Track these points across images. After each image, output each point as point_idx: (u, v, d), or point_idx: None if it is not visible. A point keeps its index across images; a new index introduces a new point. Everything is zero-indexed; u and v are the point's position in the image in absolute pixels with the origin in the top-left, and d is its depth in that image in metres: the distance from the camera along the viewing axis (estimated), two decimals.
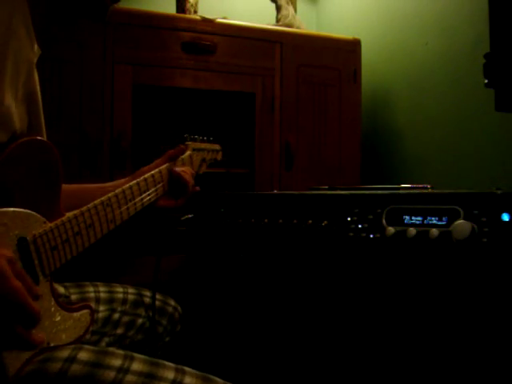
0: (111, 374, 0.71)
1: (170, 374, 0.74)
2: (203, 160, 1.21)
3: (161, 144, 1.80)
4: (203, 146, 1.21)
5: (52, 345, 0.76)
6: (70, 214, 0.81)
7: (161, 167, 1.04)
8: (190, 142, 1.18)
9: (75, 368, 0.71)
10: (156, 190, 1.01)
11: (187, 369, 0.77)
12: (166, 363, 0.77)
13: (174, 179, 1.06)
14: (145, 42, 1.67)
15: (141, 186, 0.96)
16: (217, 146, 1.28)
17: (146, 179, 0.98)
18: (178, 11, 1.88)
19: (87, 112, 1.59)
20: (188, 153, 1.15)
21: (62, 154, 0.80)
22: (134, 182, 0.95)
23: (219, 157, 1.29)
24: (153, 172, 1.01)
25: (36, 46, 0.85)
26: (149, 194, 0.99)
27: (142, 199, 0.96)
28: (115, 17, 1.64)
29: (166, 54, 1.70)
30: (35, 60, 0.85)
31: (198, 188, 1.12)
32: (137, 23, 1.66)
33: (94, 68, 1.60)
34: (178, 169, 1.07)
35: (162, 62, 1.70)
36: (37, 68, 0.85)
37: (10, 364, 0.68)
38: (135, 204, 0.95)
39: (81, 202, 0.85)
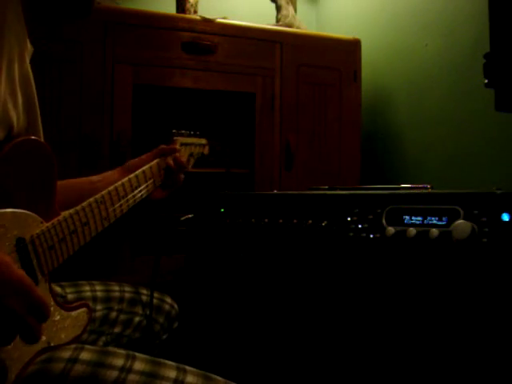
0: (114, 374, 0.71)
1: (172, 373, 0.75)
2: (191, 155, 1.22)
3: (161, 144, 1.79)
4: (190, 140, 1.21)
5: (52, 344, 0.76)
6: (65, 213, 0.82)
7: (151, 163, 1.06)
8: (177, 137, 1.18)
9: (78, 368, 0.71)
10: (147, 187, 1.03)
11: (188, 368, 0.78)
12: (168, 362, 0.77)
13: (166, 172, 1.09)
14: (145, 42, 1.67)
15: (132, 183, 0.99)
16: (203, 140, 1.27)
17: (137, 176, 1.00)
18: (177, 11, 1.88)
19: (87, 112, 1.59)
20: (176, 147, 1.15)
21: (62, 154, 0.81)
22: (126, 179, 0.97)
23: (206, 151, 1.28)
24: (144, 168, 1.03)
25: (29, 44, 0.84)
26: (140, 191, 1.01)
27: (134, 195, 0.99)
28: (115, 17, 1.64)
29: (166, 53, 1.70)
30: (28, 58, 0.84)
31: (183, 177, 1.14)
32: (137, 23, 1.66)
33: (93, 68, 1.60)
34: (171, 161, 1.09)
35: (162, 62, 1.70)
36: (33, 67, 0.84)
37: (12, 365, 0.68)
38: (128, 201, 0.97)
39: (69, 198, 0.85)
